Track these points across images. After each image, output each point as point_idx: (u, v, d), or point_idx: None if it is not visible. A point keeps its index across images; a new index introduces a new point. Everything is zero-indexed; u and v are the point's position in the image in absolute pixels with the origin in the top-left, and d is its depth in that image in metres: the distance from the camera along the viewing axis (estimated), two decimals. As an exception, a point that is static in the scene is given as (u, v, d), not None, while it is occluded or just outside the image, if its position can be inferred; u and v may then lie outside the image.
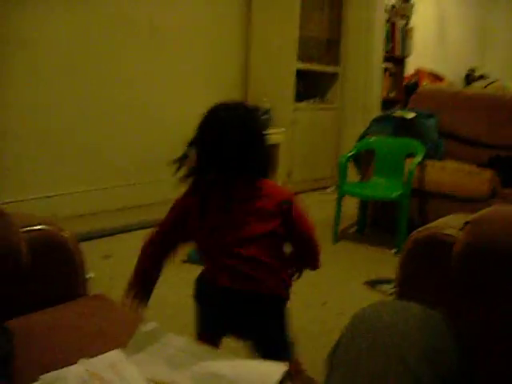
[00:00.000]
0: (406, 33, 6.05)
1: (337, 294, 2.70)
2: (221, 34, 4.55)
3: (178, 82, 4.23)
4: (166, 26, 4.09)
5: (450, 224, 1.29)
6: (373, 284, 2.76)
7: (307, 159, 4.77)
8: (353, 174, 3.78)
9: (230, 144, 1.49)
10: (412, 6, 6.22)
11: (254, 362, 1.24)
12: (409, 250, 1.30)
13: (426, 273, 1.30)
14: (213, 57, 4.51)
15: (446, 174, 3.25)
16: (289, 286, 1.57)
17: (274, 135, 4.34)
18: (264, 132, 1.60)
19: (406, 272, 1.34)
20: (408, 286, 1.35)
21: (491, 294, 1.15)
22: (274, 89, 4.60)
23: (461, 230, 1.20)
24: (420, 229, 1.31)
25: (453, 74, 7.32)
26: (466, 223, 1.20)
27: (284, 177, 4.52)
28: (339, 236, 3.48)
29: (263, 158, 1.58)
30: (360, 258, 3.24)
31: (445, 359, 0.90)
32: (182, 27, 4.21)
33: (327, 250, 3.28)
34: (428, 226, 1.32)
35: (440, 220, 1.38)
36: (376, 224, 3.64)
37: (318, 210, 4.13)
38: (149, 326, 1.19)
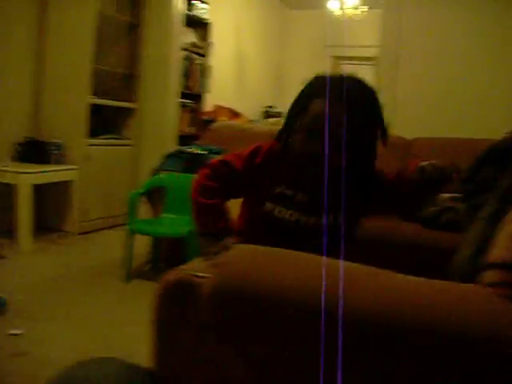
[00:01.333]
0: (205, 70, 6.23)
1: (117, 336, 2.59)
2: (8, 61, 4.26)
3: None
4: None
5: (202, 264, 1.27)
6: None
7: (103, 196, 4.63)
8: (147, 211, 3.75)
9: None
10: (211, 44, 6.43)
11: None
12: (160, 294, 1.26)
13: (180, 319, 1.26)
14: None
15: (233, 208, 3.32)
16: None
17: (67, 172, 4.17)
18: None
19: (161, 317, 1.30)
20: (164, 331, 1.31)
21: (245, 339, 1.13)
22: (66, 123, 4.42)
23: (207, 272, 1.19)
24: (171, 270, 1.29)
25: (251, 110, 7.66)
26: (212, 265, 1.19)
27: (79, 215, 4.34)
28: (133, 275, 3.39)
29: None
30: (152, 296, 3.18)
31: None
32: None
33: (119, 290, 3.20)
34: (180, 266, 1.30)
35: (196, 260, 1.37)
36: (170, 260, 3.61)
37: (113, 248, 4.02)
38: None
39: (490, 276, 1.03)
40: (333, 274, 1.01)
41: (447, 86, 4.23)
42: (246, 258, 1.19)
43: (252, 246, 1.20)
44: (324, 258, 1.11)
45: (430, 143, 3.69)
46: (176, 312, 1.26)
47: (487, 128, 3.80)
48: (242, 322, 1.13)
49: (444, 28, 4.24)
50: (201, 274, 1.19)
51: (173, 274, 1.25)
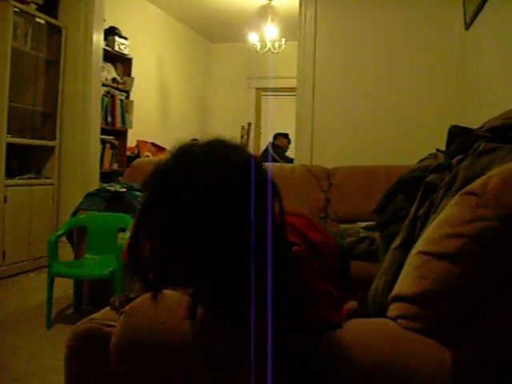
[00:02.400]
0: (127, 106, 6.18)
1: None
2: None
3: None
4: None
5: (112, 314, 1.25)
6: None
7: (23, 238, 4.46)
8: (69, 252, 3.65)
9: None
10: (133, 79, 6.40)
11: None
12: (70, 345, 1.22)
13: (92, 368, 1.23)
14: None
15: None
16: None
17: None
18: None
19: (73, 367, 1.26)
20: (77, 381, 1.27)
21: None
22: (-19, 164, 4.27)
23: (118, 320, 1.17)
24: (82, 320, 1.25)
25: (176, 144, 7.63)
26: (121, 313, 1.17)
27: (-3, 258, 4.17)
28: (55, 320, 3.27)
29: None
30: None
31: None
32: None
33: (40, 337, 3.06)
34: (92, 316, 1.27)
35: (107, 308, 1.34)
36: (94, 302, 3.51)
37: (34, 292, 3.88)
38: None
39: (394, 309, 1.06)
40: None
41: (363, 114, 4.36)
42: (149, 306, 1.16)
43: (163, 292, 1.17)
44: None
45: (349, 172, 3.79)
46: (87, 361, 1.23)
47: (405, 154, 3.95)
48: (147, 369, 1.12)
49: (356, 58, 4.40)
50: (109, 323, 1.17)
51: (83, 324, 1.22)
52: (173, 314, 1.09)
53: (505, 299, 0.95)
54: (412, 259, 1.06)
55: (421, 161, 2.01)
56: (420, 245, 1.07)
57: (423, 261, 1.01)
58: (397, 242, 1.68)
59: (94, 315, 1.24)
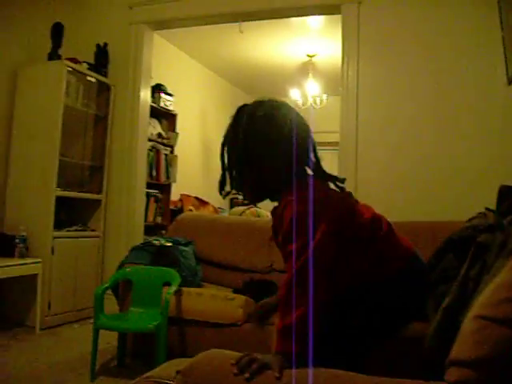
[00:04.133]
0: (171, 160, 6.32)
1: None
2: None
3: None
4: None
5: (169, 371, 1.26)
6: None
7: (68, 289, 4.53)
8: (113, 305, 3.69)
9: None
10: (177, 134, 6.56)
11: None
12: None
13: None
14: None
15: (202, 301, 3.29)
16: None
17: (31, 266, 4.11)
18: None
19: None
20: None
21: None
22: (32, 216, 4.40)
23: (174, 379, 1.18)
24: (138, 378, 1.27)
25: (219, 198, 7.71)
26: (178, 372, 1.18)
27: (42, 309, 4.23)
28: (98, 372, 3.28)
29: None
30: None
31: None
32: None
33: (83, 390, 3.08)
34: (149, 374, 1.29)
35: (162, 366, 1.36)
36: (137, 355, 3.52)
37: (78, 343, 3.91)
38: None
39: (451, 373, 1.05)
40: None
41: (407, 169, 4.35)
42: (206, 364, 1.17)
43: (213, 352, 1.18)
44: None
45: (394, 227, 3.75)
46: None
47: (449, 210, 3.91)
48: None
49: (399, 113, 4.41)
50: (166, 381, 1.19)
51: (139, 382, 1.24)
52: (228, 376, 1.10)
53: None
54: (469, 323, 1.06)
55: (470, 220, 1.99)
56: (477, 309, 1.06)
57: (481, 325, 1.00)
58: (447, 301, 1.66)
59: (150, 373, 1.26)
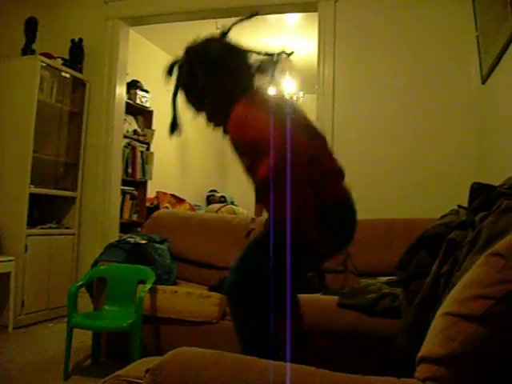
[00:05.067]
0: (147, 157, 6.27)
1: None
2: None
3: None
4: None
5: (139, 370, 1.25)
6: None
7: (42, 288, 4.48)
8: (88, 303, 3.65)
9: None
10: (153, 131, 6.51)
11: None
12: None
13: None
14: None
15: (178, 298, 3.28)
16: None
17: (4, 264, 4.05)
18: None
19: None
20: None
21: None
22: (4, 213, 4.33)
23: (143, 378, 1.17)
24: (107, 377, 1.26)
25: (195, 195, 7.71)
26: (147, 371, 1.17)
27: (15, 308, 4.17)
28: (72, 371, 3.24)
29: None
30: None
31: None
32: None
33: (56, 390, 3.04)
34: (118, 372, 1.27)
35: (133, 365, 1.34)
36: (112, 354, 3.49)
37: (52, 342, 3.87)
38: None
39: (422, 370, 1.05)
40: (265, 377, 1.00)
41: (382, 167, 4.37)
42: (176, 363, 1.16)
43: (185, 350, 1.17)
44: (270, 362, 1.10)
45: (368, 225, 3.75)
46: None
47: (422, 207, 3.94)
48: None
49: (374, 111, 4.44)
50: (136, 380, 1.17)
51: (108, 382, 1.22)
52: (199, 374, 1.09)
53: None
54: (439, 320, 1.06)
55: (442, 217, 2.01)
56: (447, 305, 1.07)
57: (451, 322, 1.01)
58: (418, 297, 1.67)
59: (120, 372, 1.25)
